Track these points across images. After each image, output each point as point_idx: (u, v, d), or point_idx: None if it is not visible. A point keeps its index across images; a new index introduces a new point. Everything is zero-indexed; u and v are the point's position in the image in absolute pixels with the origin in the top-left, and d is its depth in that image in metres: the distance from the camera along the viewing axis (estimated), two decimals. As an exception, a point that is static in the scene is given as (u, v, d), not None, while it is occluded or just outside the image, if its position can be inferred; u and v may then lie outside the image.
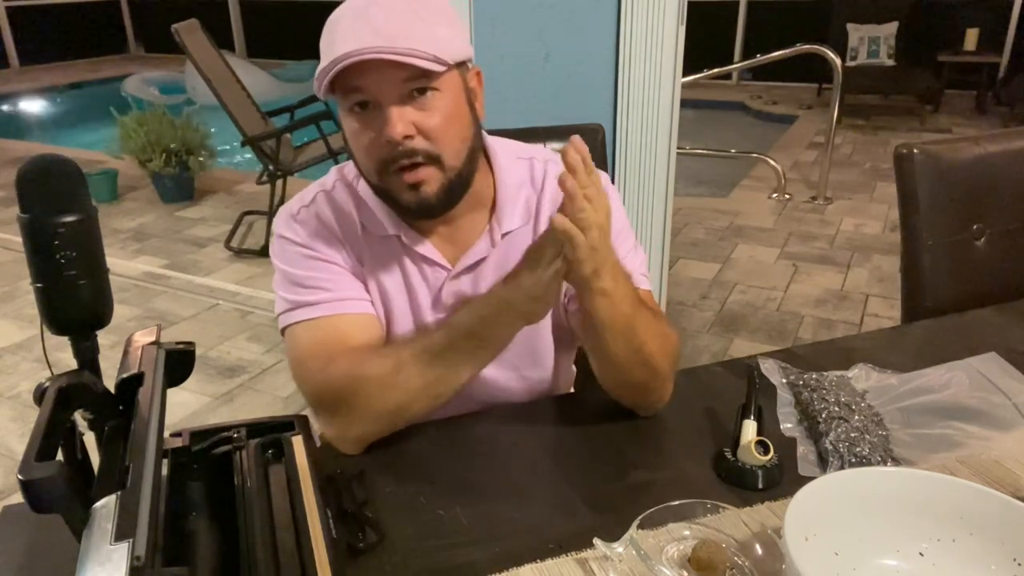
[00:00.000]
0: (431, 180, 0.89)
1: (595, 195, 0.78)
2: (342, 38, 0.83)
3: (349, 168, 1.02)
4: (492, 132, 1.04)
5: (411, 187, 0.89)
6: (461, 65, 0.90)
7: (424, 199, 0.90)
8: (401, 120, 0.85)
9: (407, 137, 0.86)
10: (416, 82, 0.85)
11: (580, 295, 0.86)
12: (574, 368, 1.20)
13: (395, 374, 0.87)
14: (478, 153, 0.96)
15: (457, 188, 0.92)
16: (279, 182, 3.84)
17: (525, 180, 1.02)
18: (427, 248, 0.99)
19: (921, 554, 0.71)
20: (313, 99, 4.08)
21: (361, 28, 0.83)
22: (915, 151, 1.42)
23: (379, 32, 0.82)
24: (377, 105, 0.86)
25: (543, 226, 1.01)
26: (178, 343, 0.73)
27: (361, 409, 0.89)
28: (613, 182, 1.61)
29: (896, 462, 0.88)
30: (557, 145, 1.28)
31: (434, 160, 0.88)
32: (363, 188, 0.99)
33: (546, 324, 1.05)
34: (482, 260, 1.00)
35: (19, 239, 0.62)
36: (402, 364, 0.87)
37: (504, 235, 1.00)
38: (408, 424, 0.93)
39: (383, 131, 0.85)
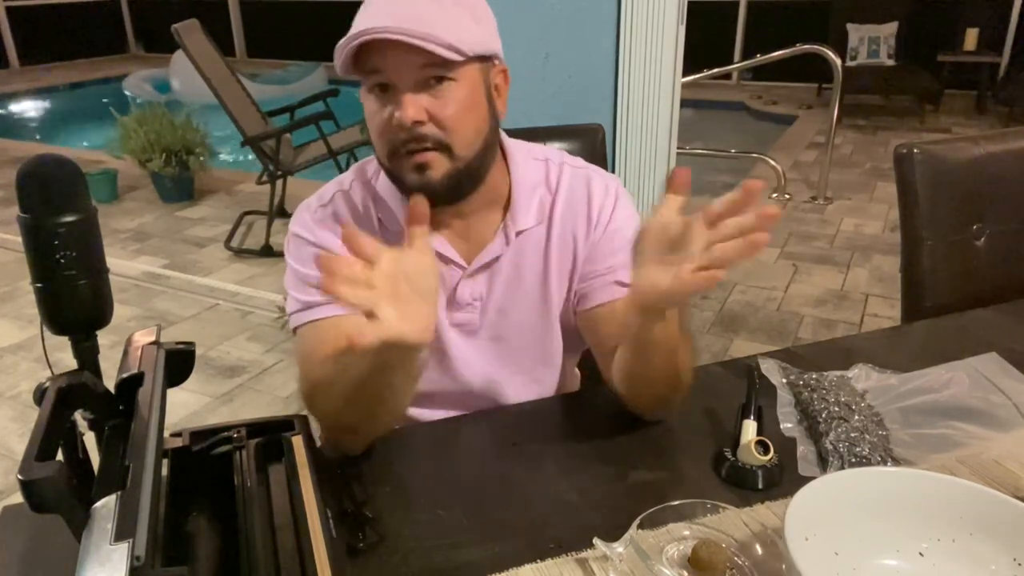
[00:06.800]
0: (437, 165, 0.89)
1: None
2: (364, 16, 0.84)
3: (368, 165, 1.02)
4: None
5: (416, 168, 0.89)
6: (486, 60, 0.90)
7: (428, 182, 0.89)
8: (413, 105, 0.85)
9: (417, 123, 0.86)
10: (433, 70, 0.85)
11: (641, 319, 0.82)
12: (579, 373, 1.20)
13: (330, 384, 0.84)
14: (493, 149, 0.95)
15: (465, 179, 0.92)
16: (279, 182, 3.84)
17: (540, 180, 1.02)
18: (442, 245, 0.98)
19: (921, 554, 0.71)
20: (313, 99, 4.09)
21: (383, 8, 0.84)
22: (915, 151, 1.42)
23: (397, 14, 0.83)
24: (395, 88, 0.86)
25: (557, 227, 1.01)
26: (178, 343, 0.73)
27: (318, 413, 0.89)
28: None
29: (896, 462, 0.88)
30: (557, 145, 1.29)
31: (443, 148, 0.88)
32: (382, 185, 0.99)
33: (556, 323, 1.05)
34: (497, 259, 1.00)
35: (19, 239, 0.62)
36: (340, 372, 0.83)
37: (518, 233, 1.00)
38: (371, 435, 0.91)
39: (395, 114, 0.86)
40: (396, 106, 0.86)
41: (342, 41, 0.84)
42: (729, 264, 0.71)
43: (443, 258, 0.99)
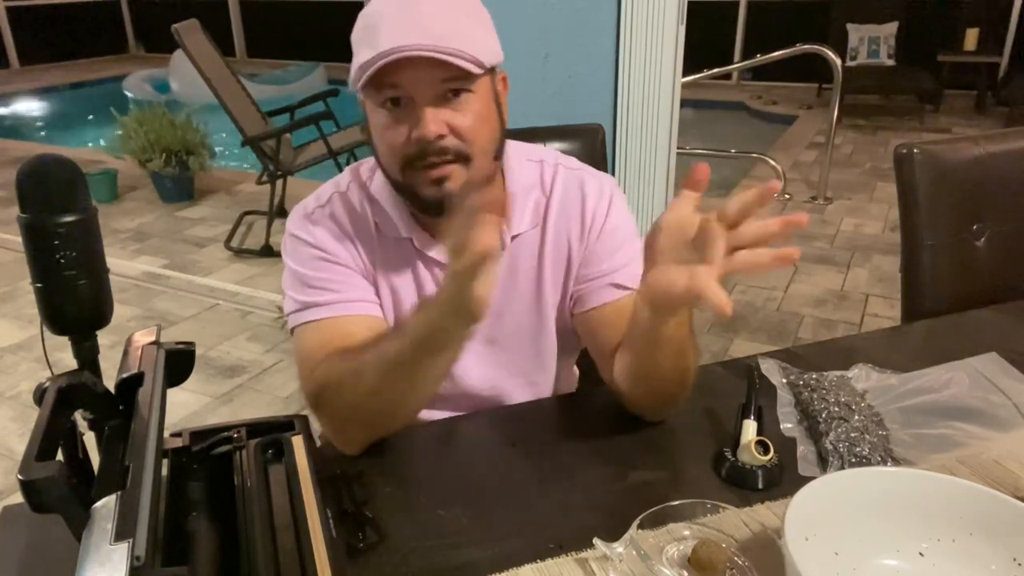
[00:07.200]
0: (456, 176, 0.89)
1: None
2: (388, 32, 0.82)
3: (363, 168, 1.02)
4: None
5: (434, 181, 0.89)
6: (492, 69, 0.90)
7: (447, 194, 0.89)
8: (435, 120, 0.85)
9: (440, 137, 0.86)
10: (454, 83, 0.85)
11: (654, 317, 0.80)
12: (577, 371, 1.20)
13: (355, 376, 0.85)
14: (501, 155, 0.96)
15: (477, 188, 0.92)
16: (279, 182, 3.84)
17: (535, 183, 1.02)
18: (438, 251, 0.98)
19: (921, 554, 0.71)
20: (313, 99, 4.09)
21: (409, 23, 0.82)
22: (915, 151, 1.42)
23: (428, 30, 0.82)
24: (411, 102, 0.86)
25: (551, 230, 1.01)
26: (178, 343, 0.73)
27: (329, 409, 0.89)
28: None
29: (896, 462, 0.88)
30: (557, 145, 1.29)
31: (463, 159, 0.88)
32: (376, 188, 0.99)
33: (551, 326, 1.05)
34: None
35: (19, 239, 0.62)
36: (363, 367, 0.84)
37: (513, 238, 1.00)
38: (386, 430, 0.91)
39: (415, 129, 0.85)
40: (415, 121, 0.85)
41: (365, 59, 0.82)
42: (754, 273, 0.69)
43: (438, 264, 0.99)
